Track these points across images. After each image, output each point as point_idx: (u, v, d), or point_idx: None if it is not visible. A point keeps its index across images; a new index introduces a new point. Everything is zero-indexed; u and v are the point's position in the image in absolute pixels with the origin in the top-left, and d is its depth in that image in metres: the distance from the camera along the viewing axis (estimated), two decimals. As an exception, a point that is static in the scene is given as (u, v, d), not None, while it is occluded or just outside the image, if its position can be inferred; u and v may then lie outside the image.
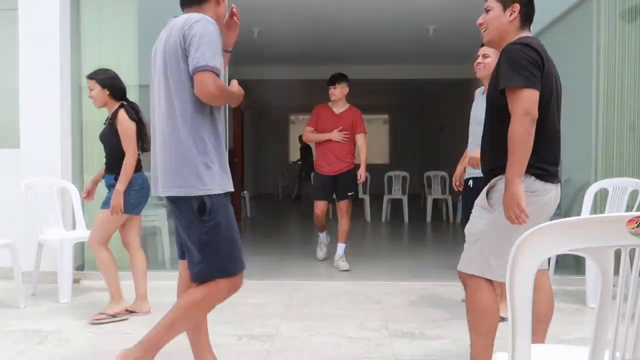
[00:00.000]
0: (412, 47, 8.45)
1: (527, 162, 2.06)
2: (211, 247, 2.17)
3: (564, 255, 3.98)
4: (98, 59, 4.65)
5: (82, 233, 4.22)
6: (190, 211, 2.15)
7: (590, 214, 3.93)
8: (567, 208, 4.70)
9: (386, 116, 16.93)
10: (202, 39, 2.09)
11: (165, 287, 4.35)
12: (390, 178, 9.26)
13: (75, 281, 4.33)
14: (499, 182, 2.14)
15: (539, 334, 2.34)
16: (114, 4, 4.64)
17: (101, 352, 2.87)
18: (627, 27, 4.32)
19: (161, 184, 2.20)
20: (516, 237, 1.99)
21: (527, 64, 2.07)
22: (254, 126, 14.80)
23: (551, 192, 2.16)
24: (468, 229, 2.31)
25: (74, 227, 4.35)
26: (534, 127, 2.04)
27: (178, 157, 2.14)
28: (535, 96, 2.06)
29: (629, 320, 1.22)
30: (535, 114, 2.04)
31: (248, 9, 6.35)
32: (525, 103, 2.04)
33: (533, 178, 2.12)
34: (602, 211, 4.11)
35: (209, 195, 2.14)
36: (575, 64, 4.69)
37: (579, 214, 3.99)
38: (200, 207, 2.14)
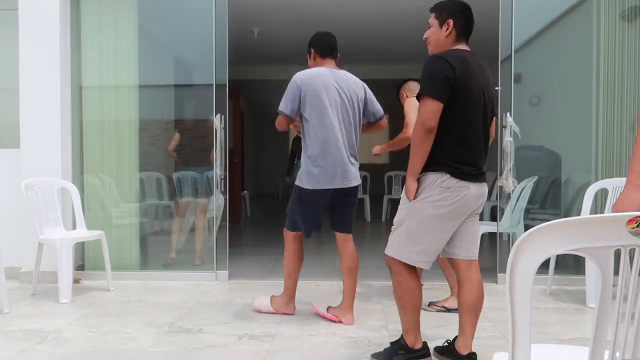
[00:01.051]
0: (412, 47, 8.45)
1: (420, 165, 2.38)
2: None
3: (564, 255, 3.98)
4: (98, 59, 4.66)
5: (82, 233, 4.23)
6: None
7: (590, 214, 3.93)
8: (567, 208, 4.70)
9: (386, 116, 16.94)
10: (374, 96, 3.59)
11: (165, 287, 4.36)
12: (390, 178, 9.27)
13: (76, 281, 4.34)
14: (420, 178, 2.43)
15: (469, 324, 2.53)
16: (114, 4, 4.65)
17: (101, 352, 2.87)
18: (627, 27, 4.32)
19: (354, 179, 3.36)
20: (431, 227, 2.34)
21: (434, 76, 2.31)
22: (254, 126, 14.80)
23: (468, 189, 2.40)
24: (395, 217, 2.54)
25: (74, 227, 4.36)
26: (429, 135, 2.33)
27: (356, 165, 3.39)
28: (434, 106, 2.30)
29: (628, 320, 1.22)
30: (431, 124, 2.30)
31: (248, 9, 6.36)
32: (423, 114, 2.32)
33: (448, 175, 2.38)
34: (602, 211, 4.11)
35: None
36: (575, 64, 4.69)
37: (579, 214, 3.99)
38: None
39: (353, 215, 3.48)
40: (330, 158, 3.23)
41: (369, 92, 3.54)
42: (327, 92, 3.24)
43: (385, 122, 3.66)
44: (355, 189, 3.39)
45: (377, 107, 3.59)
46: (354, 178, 3.35)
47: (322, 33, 3.60)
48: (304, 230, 3.50)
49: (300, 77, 3.28)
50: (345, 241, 3.49)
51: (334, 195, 3.32)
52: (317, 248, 6.36)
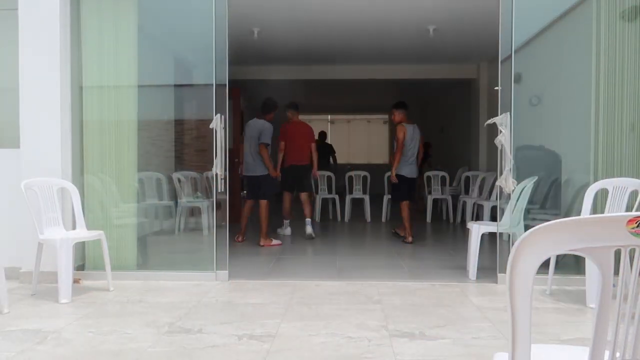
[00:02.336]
0: (412, 47, 8.45)
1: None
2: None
3: (564, 255, 3.98)
4: (98, 59, 4.66)
5: (82, 233, 4.23)
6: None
7: (590, 214, 3.93)
8: (567, 208, 4.70)
9: (386, 116, 16.94)
10: (267, 132, 6.54)
11: (165, 287, 4.36)
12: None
13: (75, 281, 4.33)
14: None
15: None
16: (114, 4, 4.64)
17: (101, 352, 2.87)
18: (627, 27, 4.32)
19: (257, 171, 6.53)
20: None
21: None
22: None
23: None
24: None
25: (74, 227, 4.35)
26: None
27: (260, 162, 6.51)
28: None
29: (629, 320, 1.22)
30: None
31: (248, 9, 6.36)
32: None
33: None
34: (602, 211, 4.11)
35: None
36: (575, 64, 4.69)
37: (579, 214, 3.99)
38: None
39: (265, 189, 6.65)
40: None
41: (260, 129, 6.53)
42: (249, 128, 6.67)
43: (261, 147, 6.50)
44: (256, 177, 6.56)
45: (263, 138, 6.48)
46: (257, 171, 6.53)
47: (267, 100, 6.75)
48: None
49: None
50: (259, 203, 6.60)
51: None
52: (317, 250, 6.36)
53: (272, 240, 6.47)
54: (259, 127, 6.55)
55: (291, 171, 6.99)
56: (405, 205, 6.60)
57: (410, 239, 6.54)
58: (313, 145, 7.10)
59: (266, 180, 6.54)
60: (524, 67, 4.52)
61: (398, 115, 6.72)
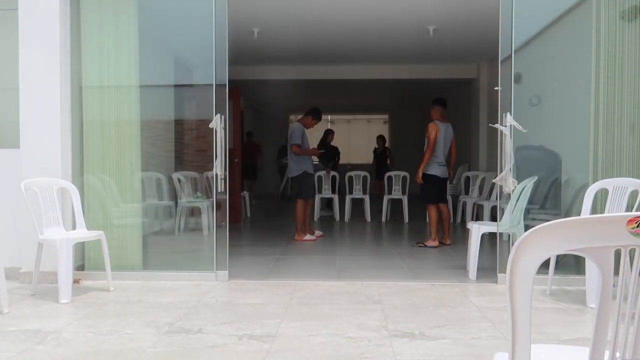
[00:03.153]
0: (412, 47, 8.45)
1: None
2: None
3: (564, 255, 3.98)
4: (98, 59, 4.66)
5: (82, 233, 4.23)
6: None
7: (590, 214, 3.93)
8: (567, 208, 4.70)
9: (386, 116, 16.95)
10: (294, 133, 6.71)
11: (165, 287, 4.36)
12: (390, 178, 9.27)
13: (75, 281, 4.33)
14: None
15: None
16: (114, 3, 4.64)
17: (101, 352, 2.87)
18: (627, 27, 4.32)
19: (292, 172, 6.75)
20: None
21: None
22: (254, 126, 14.79)
23: None
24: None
25: (74, 227, 4.35)
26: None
27: (294, 163, 6.71)
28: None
29: (629, 320, 1.22)
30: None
31: (248, 10, 6.36)
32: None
33: None
34: (602, 211, 4.11)
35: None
36: (575, 64, 4.69)
37: (579, 214, 3.99)
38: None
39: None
40: None
41: (290, 133, 6.78)
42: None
43: (293, 148, 6.65)
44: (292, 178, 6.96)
45: (291, 140, 6.67)
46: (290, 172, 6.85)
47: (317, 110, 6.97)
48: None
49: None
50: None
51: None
52: (317, 249, 6.36)
53: (305, 234, 6.77)
54: (290, 130, 6.89)
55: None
56: (432, 208, 6.25)
57: (436, 242, 6.21)
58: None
59: (299, 181, 6.81)
60: (524, 67, 4.52)
61: (436, 112, 6.37)
